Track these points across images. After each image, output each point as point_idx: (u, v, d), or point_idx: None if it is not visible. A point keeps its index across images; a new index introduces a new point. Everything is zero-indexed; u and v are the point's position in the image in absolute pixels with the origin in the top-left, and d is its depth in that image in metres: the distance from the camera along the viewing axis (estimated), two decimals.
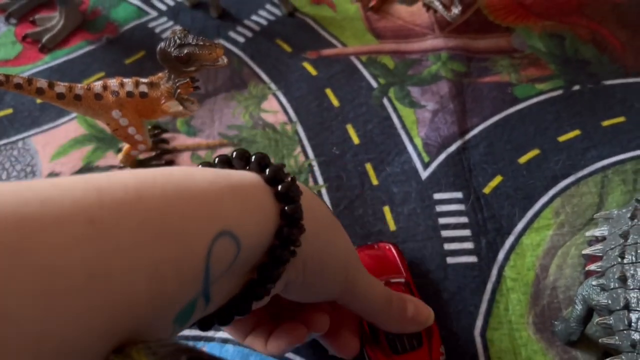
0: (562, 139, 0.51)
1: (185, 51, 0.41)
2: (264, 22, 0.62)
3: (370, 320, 0.36)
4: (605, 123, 0.52)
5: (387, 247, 0.42)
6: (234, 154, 0.27)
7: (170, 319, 0.21)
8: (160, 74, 0.45)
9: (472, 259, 0.44)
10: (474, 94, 0.54)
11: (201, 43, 0.41)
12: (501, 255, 0.44)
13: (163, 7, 0.63)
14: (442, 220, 0.46)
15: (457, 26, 0.60)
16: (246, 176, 0.26)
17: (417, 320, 0.35)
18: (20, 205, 0.17)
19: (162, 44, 0.41)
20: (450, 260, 0.44)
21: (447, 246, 0.45)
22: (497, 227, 0.46)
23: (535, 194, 0.48)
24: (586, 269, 0.41)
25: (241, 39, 0.60)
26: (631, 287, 0.36)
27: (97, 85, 0.44)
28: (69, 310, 0.17)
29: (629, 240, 0.38)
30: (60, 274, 0.16)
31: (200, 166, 0.27)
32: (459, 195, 0.48)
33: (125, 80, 0.44)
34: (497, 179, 0.49)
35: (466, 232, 0.46)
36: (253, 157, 0.27)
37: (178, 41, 0.41)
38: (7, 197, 0.17)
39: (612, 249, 0.38)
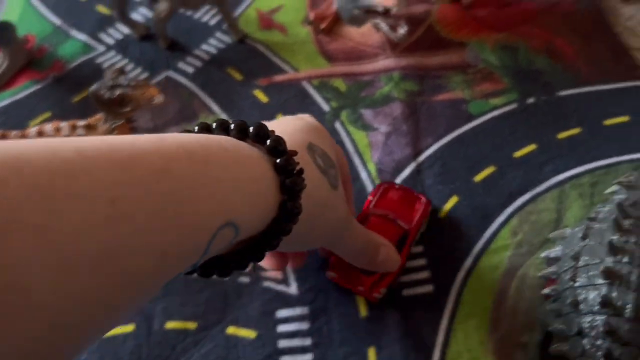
0: (518, 154, 0.50)
1: (118, 93, 0.39)
2: (214, 51, 0.61)
3: (342, 257, 0.38)
4: (561, 135, 0.51)
5: (421, 199, 0.44)
6: (232, 125, 0.27)
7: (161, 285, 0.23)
8: (98, 115, 0.44)
9: (428, 288, 0.43)
10: (428, 112, 0.53)
11: (133, 84, 0.40)
12: (458, 281, 0.43)
13: (111, 42, 0.62)
14: None
15: (409, 44, 0.59)
16: (254, 159, 0.26)
17: (384, 266, 0.39)
18: (49, 174, 0.17)
19: (94, 87, 0.40)
20: (406, 292, 0.43)
21: (403, 278, 0.44)
22: (454, 250, 0.45)
23: (492, 213, 0.47)
24: (542, 292, 0.40)
25: (191, 70, 0.59)
26: (584, 312, 0.35)
27: (32, 132, 0.43)
28: (79, 287, 0.17)
29: (580, 262, 0.37)
30: (76, 251, 0.17)
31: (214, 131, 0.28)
32: None
33: (62, 124, 0.43)
34: (453, 200, 0.47)
35: (422, 262, 0.44)
36: (251, 129, 0.27)
37: (110, 83, 0.40)
38: (39, 150, 0.17)
39: (565, 272, 0.37)
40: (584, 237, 0.38)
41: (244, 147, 0.26)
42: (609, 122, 0.52)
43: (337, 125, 0.53)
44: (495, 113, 0.53)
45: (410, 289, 0.43)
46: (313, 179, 0.29)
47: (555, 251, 0.40)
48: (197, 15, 0.64)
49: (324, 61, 0.59)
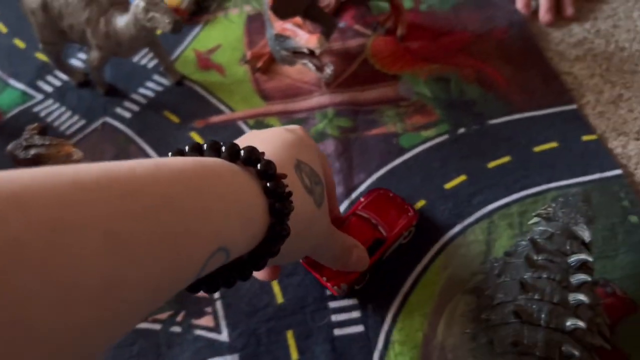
0: (448, 186, 0.51)
1: (32, 152, 0.39)
2: (151, 94, 0.61)
3: (316, 260, 0.40)
4: (491, 164, 0.52)
5: (409, 212, 0.46)
6: (224, 148, 0.28)
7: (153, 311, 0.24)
8: None
9: (359, 328, 0.43)
10: (361, 148, 0.54)
11: (47, 142, 0.40)
12: (388, 318, 0.43)
13: (49, 89, 0.62)
14: (330, 291, 0.45)
15: (344, 79, 0.60)
16: (246, 184, 0.27)
17: (355, 266, 0.41)
18: (48, 209, 0.17)
19: (9, 147, 0.40)
20: (337, 332, 0.43)
21: (335, 317, 0.44)
22: (384, 289, 0.45)
23: (422, 249, 0.47)
24: (464, 331, 0.40)
25: (128, 115, 0.59)
26: (498, 352, 0.35)
27: None
28: (81, 321, 0.17)
29: (495, 300, 0.37)
30: (76, 284, 0.17)
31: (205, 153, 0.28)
32: None
33: None
34: None
35: (353, 301, 0.45)
36: (242, 153, 0.28)
37: (24, 143, 0.40)
38: (38, 184, 0.17)
39: (481, 311, 0.38)
40: (499, 274, 0.38)
41: (236, 172, 0.27)
42: (538, 148, 0.53)
43: None
44: (427, 145, 0.54)
45: (342, 329, 0.43)
46: (300, 199, 0.30)
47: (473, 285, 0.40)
48: (135, 58, 0.64)
49: (260, 100, 0.59)
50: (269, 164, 0.28)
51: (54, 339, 0.16)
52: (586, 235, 0.41)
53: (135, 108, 0.60)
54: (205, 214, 0.23)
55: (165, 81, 0.62)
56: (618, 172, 0.50)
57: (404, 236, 0.46)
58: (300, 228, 0.30)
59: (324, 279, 0.43)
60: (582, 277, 0.36)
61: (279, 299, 0.45)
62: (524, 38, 0.62)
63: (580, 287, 0.36)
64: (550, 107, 0.55)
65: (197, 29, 0.67)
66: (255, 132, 0.35)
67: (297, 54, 0.52)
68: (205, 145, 0.28)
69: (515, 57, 0.60)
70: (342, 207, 0.50)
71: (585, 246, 0.42)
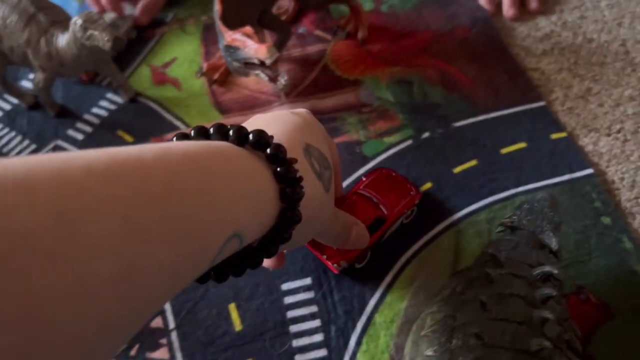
0: None
1: None
2: (105, 114, 0.58)
3: (318, 240, 0.39)
4: (457, 169, 0.50)
5: (411, 192, 0.45)
6: (231, 131, 0.27)
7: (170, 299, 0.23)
8: None
9: (322, 352, 0.41)
10: None
11: None
12: (353, 341, 0.41)
13: None
14: (291, 314, 0.43)
15: (304, 88, 0.57)
16: (256, 168, 0.26)
17: (355, 244, 0.39)
18: (60, 196, 0.16)
19: None
20: (299, 358, 0.41)
21: (296, 342, 0.41)
22: (348, 310, 0.42)
23: (387, 264, 0.45)
24: (425, 354, 0.38)
25: (80, 136, 0.57)
26: None
27: None
28: (98, 311, 0.17)
29: (457, 321, 0.35)
30: (93, 273, 0.16)
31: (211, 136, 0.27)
32: (307, 281, 0.44)
33: None
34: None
35: (316, 323, 0.42)
36: (251, 136, 0.27)
37: None
38: (48, 171, 0.17)
39: (443, 332, 0.35)
40: (462, 292, 0.36)
41: (245, 156, 0.26)
42: (505, 150, 0.50)
43: None
44: (391, 152, 0.51)
45: (304, 354, 0.41)
46: (310, 184, 0.29)
47: (435, 309, 0.38)
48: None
49: (217, 113, 0.57)
50: (279, 148, 0.27)
51: (72, 331, 0.16)
52: (553, 243, 0.38)
53: (88, 129, 0.57)
54: (215, 198, 0.23)
55: (119, 99, 0.60)
56: (589, 171, 0.48)
57: (406, 215, 0.45)
58: (310, 213, 0.29)
59: (325, 257, 0.42)
60: (547, 291, 0.33)
61: (237, 325, 0.43)
62: (488, 35, 0.60)
63: (546, 302, 0.34)
64: (517, 105, 0.53)
65: (152, 43, 0.64)
66: (260, 115, 0.34)
67: (248, 64, 0.50)
68: (211, 129, 0.27)
69: (479, 55, 0.58)
70: (344, 186, 0.49)
71: (555, 254, 0.40)
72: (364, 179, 0.47)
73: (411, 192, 0.45)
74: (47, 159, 0.17)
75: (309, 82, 0.58)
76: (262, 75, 0.49)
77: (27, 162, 0.17)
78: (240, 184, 0.25)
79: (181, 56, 0.62)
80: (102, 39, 0.45)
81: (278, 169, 0.27)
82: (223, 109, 0.57)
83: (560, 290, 0.37)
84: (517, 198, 0.47)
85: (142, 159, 0.21)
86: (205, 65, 0.59)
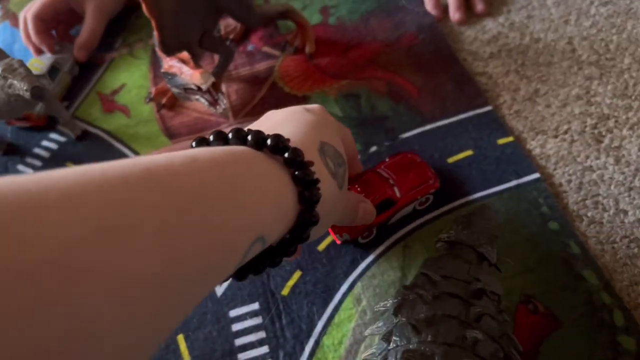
0: None
1: None
2: (54, 147, 0.58)
3: None
4: None
5: (429, 181, 0.45)
6: (250, 136, 0.28)
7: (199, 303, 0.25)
8: None
9: None
10: None
11: None
12: None
13: None
14: (239, 341, 0.42)
15: (253, 107, 0.57)
16: (276, 173, 0.27)
17: (362, 220, 0.40)
18: (101, 210, 0.17)
19: None
20: None
21: None
22: (296, 333, 0.42)
23: (335, 284, 0.44)
24: None
25: (30, 171, 0.56)
26: None
27: None
28: (140, 318, 0.18)
29: (391, 344, 0.34)
30: (135, 283, 0.17)
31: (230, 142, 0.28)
32: (255, 306, 0.44)
33: None
34: (296, 275, 0.45)
35: (264, 350, 0.42)
36: (269, 141, 0.27)
37: None
38: (87, 183, 0.17)
39: (379, 355, 0.35)
40: (396, 312, 0.35)
41: (264, 161, 0.27)
42: (452, 159, 0.50)
43: None
44: None
45: None
46: (326, 184, 0.30)
47: (377, 326, 0.37)
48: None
49: (166, 139, 0.56)
50: (297, 152, 0.28)
51: (118, 340, 0.17)
52: (491, 256, 0.38)
53: (38, 163, 0.57)
54: (241, 203, 0.24)
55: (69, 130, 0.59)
56: (535, 176, 0.47)
57: (420, 202, 0.46)
58: (326, 211, 0.31)
59: (329, 229, 0.43)
60: (479, 309, 0.33)
61: (186, 357, 0.42)
62: (435, 41, 0.59)
63: (480, 320, 0.33)
64: (464, 112, 0.53)
65: (100, 70, 0.64)
66: (274, 112, 0.35)
67: (187, 90, 0.49)
68: (230, 134, 0.28)
69: (426, 63, 0.57)
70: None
71: (496, 266, 0.39)
72: (387, 159, 0.47)
73: (429, 181, 0.45)
74: (86, 173, 0.18)
75: (258, 101, 0.57)
76: (202, 100, 0.49)
77: (67, 176, 0.17)
78: (263, 188, 0.26)
79: (130, 82, 0.62)
80: (22, 89, 0.45)
81: (296, 173, 0.28)
82: (172, 134, 0.56)
83: (499, 304, 0.36)
84: (464, 209, 0.46)
85: (171, 167, 0.21)
86: (153, 90, 0.59)
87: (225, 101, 0.49)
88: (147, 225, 0.18)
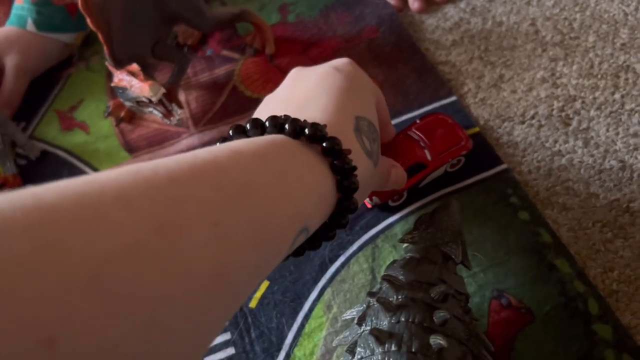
0: None
1: None
2: (14, 171, 0.56)
3: None
4: None
5: (461, 142, 0.45)
6: (287, 125, 0.27)
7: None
8: None
9: None
10: None
11: None
12: None
13: None
14: None
15: (214, 114, 0.55)
16: (316, 162, 0.27)
17: (393, 186, 0.40)
18: (156, 209, 0.17)
19: None
20: None
21: None
22: (266, 347, 0.41)
23: (304, 292, 0.43)
24: None
25: None
26: None
27: None
28: (200, 310, 0.18)
29: (356, 356, 0.33)
30: (194, 277, 0.18)
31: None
32: None
33: None
34: (264, 286, 0.44)
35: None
36: (307, 130, 0.27)
37: None
38: (138, 183, 0.18)
39: None
40: (360, 322, 0.34)
41: (303, 151, 0.27)
42: None
43: None
44: None
45: None
46: (362, 165, 0.30)
47: (344, 336, 0.36)
48: None
49: (126, 154, 0.55)
50: (334, 141, 0.27)
51: (182, 332, 0.17)
52: (456, 254, 0.37)
53: None
54: (286, 194, 0.24)
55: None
56: (503, 166, 0.46)
57: (451, 164, 0.45)
58: (362, 189, 0.31)
59: None
60: (442, 313, 0.32)
61: None
62: (396, 32, 0.58)
63: (445, 324, 0.32)
64: (428, 104, 0.51)
65: (58, 87, 0.62)
66: (301, 74, 0.34)
67: (140, 103, 0.48)
68: (267, 122, 0.28)
69: (388, 56, 0.56)
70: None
71: (464, 264, 0.38)
72: (418, 121, 0.46)
73: (461, 142, 0.44)
74: (136, 172, 0.18)
75: (219, 107, 0.56)
76: (156, 112, 0.47)
77: (119, 176, 0.18)
78: (305, 178, 0.26)
79: (88, 97, 0.60)
80: None
81: (334, 162, 0.28)
82: (131, 148, 0.55)
83: (466, 303, 0.35)
84: (433, 205, 0.45)
85: (218, 162, 0.21)
86: (111, 104, 0.57)
87: (179, 111, 0.47)
88: (202, 221, 0.18)
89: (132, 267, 0.16)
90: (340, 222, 0.30)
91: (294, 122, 0.27)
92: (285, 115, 0.28)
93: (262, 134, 0.28)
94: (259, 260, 0.22)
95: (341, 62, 0.35)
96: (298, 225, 0.24)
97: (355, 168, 0.28)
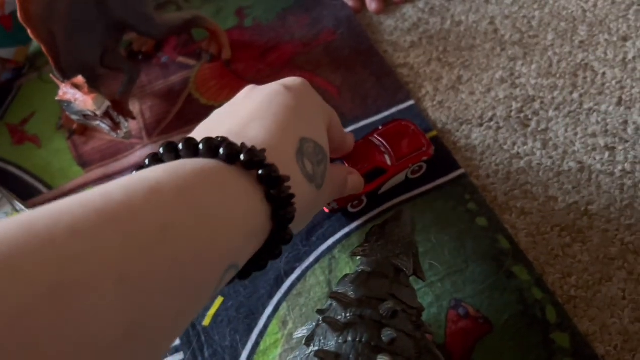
0: None
1: None
2: None
3: None
4: None
5: (422, 148, 0.44)
6: (222, 150, 0.26)
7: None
8: None
9: None
10: None
11: None
12: None
13: None
14: None
15: (168, 123, 0.54)
16: (248, 193, 0.26)
17: (350, 192, 0.40)
18: (51, 268, 0.16)
19: None
20: None
21: None
22: None
23: (259, 307, 0.42)
24: None
25: None
26: None
27: None
28: None
29: None
30: (99, 340, 0.16)
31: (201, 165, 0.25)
32: (175, 342, 0.41)
33: None
34: (217, 302, 0.42)
35: None
36: (242, 156, 0.26)
37: None
38: (29, 241, 0.16)
39: None
40: (307, 342, 0.33)
41: (236, 179, 0.25)
42: None
43: None
44: None
45: None
46: (301, 192, 0.29)
47: (294, 356, 0.35)
48: None
49: (79, 168, 0.53)
50: (271, 168, 0.26)
51: None
52: (407, 267, 0.36)
53: None
54: (211, 233, 0.22)
55: None
56: (461, 171, 0.45)
57: (412, 170, 0.44)
58: (302, 214, 0.29)
59: None
60: (389, 332, 0.31)
61: None
62: (354, 35, 0.56)
63: (393, 343, 0.31)
64: (386, 109, 0.50)
65: (9, 99, 0.60)
66: (253, 92, 0.32)
67: (87, 116, 0.46)
68: (201, 145, 0.26)
69: (345, 60, 0.55)
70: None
71: (417, 276, 0.37)
72: (380, 127, 0.45)
73: (422, 148, 0.44)
74: (29, 227, 0.17)
75: (174, 116, 0.54)
76: (103, 126, 0.46)
77: (7, 233, 0.16)
78: (235, 211, 0.24)
79: (40, 109, 0.58)
80: None
81: (272, 191, 0.26)
82: (84, 162, 0.53)
83: (418, 318, 0.34)
84: (387, 214, 0.44)
85: (131, 205, 0.20)
86: (63, 116, 0.56)
87: (127, 124, 0.46)
88: (106, 277, 0.17)
89: (19, 339, 0.14)
90: (274, 252, 0.28)
91: (230, 146, 0.26)
92: (221, 138, 0.26)
93: (195, 155, 0.26)
94: (181, 305, 0.20)
95: (292, 80, 0.34)
96: (225, 264, 0.23)
97: (292, 196, 0.27)
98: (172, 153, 0.26)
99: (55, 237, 0.17)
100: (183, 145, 0.26)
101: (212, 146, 0.26)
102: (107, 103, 0.43)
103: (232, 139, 0.27)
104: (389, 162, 0.43)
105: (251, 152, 0.26)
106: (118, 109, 0.49)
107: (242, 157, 0.26)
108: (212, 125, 0.31)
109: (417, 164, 0.44)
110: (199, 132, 0.31)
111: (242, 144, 0.26)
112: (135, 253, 0.18)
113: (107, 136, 0.54)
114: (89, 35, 0.48)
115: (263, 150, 0.26)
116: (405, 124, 0.45)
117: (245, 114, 0.30)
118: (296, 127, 0.30)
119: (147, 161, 0.27)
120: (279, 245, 0.28)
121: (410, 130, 0.45)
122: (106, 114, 0.44)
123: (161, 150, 0.26)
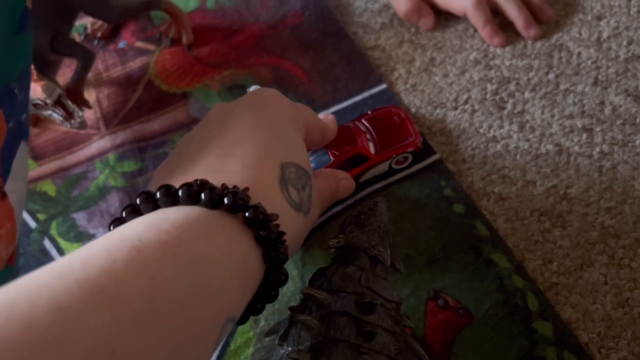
0: None
1: None
2: None
3: None
4: None
5: (409, 138, 0.42)
6: (203, 195, 0.24)
7: None
8: None
9: None
10: None
11: None
12: None
13: None
14: None
15: (127, 112, 0.51)
16: (238, 241, 0.24)
17: (342, 196, 0.40)
18: (29, 352, 0.15)
19: None
20: None
21: None
22: None
23: None
24: None
25: None
26: None
27: None
28: None
29: None
30: None
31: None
32: None
33: None
34: None
35: None
36: (226, 199, 0.24)
37: None
38: (10, 345, 0.15)
39: None
40: (281, 342, 0.31)
41: (224, 227, 0.24)
42: None
43: (47, 244, 0.44)
44: None
45: None
46: (289, 222, 0.28)
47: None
48: None
49: (32, 162, 0.49)
50: (258, 210, 0.25)
51: None
52: (385, 257, 0.34)
53: None
54: (204, 290, 0.21)
55: None
56: (436, 157, 0.44)
57: (397, 160, 0.42)
58: (293, 245, 0.29)
59: None
60: (369, 327, 0.29)
61: None
62: (322, 16, 0.54)
63: (372, 339, 0.29)
64: (357, 94, 0.48)
65: None
66: (222, 118, 0.31)
67: (37, 106, 0.43)
68: (180, 192, 0.24)
69: (314, 43, 0.52)
70: None
71: (395, 267, 0.35)
72: (369, 112, 0.44)
73: (409, 139, 0.42)
74: (9, 308, 0.16)
75: (133, 104, 0.51)
76: (55, 116, 0.43)
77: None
78: (225, 262, 0.23)
79: None
80: None
81: (261, 233, 0.25)
82: (38, 155, 0.50)
83: (397, 311, 0.32)
84: (365, 203, 0.42)
85: (115, 271, 0.18)
86: None
87: (81, 113, 0.43)
88: (98, 354, 0.16)
89: None
90: (270, 293, 0.27)
91: (211, 192, 0.24)
92: (200, 181, 0.25)
93: (174, 203, 0.25)
94: None
95: (260, 94, 0.32)
96: (222, 318, 0.22)
97: (282, 234, 0.26)
98: (150, 203, 0.25)
99: (35, 319, 0.16)
100: (161, 194, 0.25)
101: (192, 192, 0.24)
102: (59, 91, 0.40)
103: (210, 177, 0.25)
104: (372, 150, 0.41)
105: (234, 195, 0.24)
106: (72, 97, 0.45)
107: (225, 200, 0.24)
108: (185, 162, 0.29)
109: (402, 154, 0.42)
110: (170, 168, 0.29)
111: (224, 185, 0.25)
112: (126, 324, 0.17)
113: (62, 127, 0.51)
114: (37, 18, 0.45)
115: (246, 189, 0.25)
116: (396, 111, 0.44)
117: (218, 144, 0.29)
118: (274, 152, 0.29)
119: (124, 214, 0.25)
120: (275, 287, 0.27)
121: (399, 117, 0.43)
122: (58, 103, 0.41)
123: (138, 200, 0.25)
